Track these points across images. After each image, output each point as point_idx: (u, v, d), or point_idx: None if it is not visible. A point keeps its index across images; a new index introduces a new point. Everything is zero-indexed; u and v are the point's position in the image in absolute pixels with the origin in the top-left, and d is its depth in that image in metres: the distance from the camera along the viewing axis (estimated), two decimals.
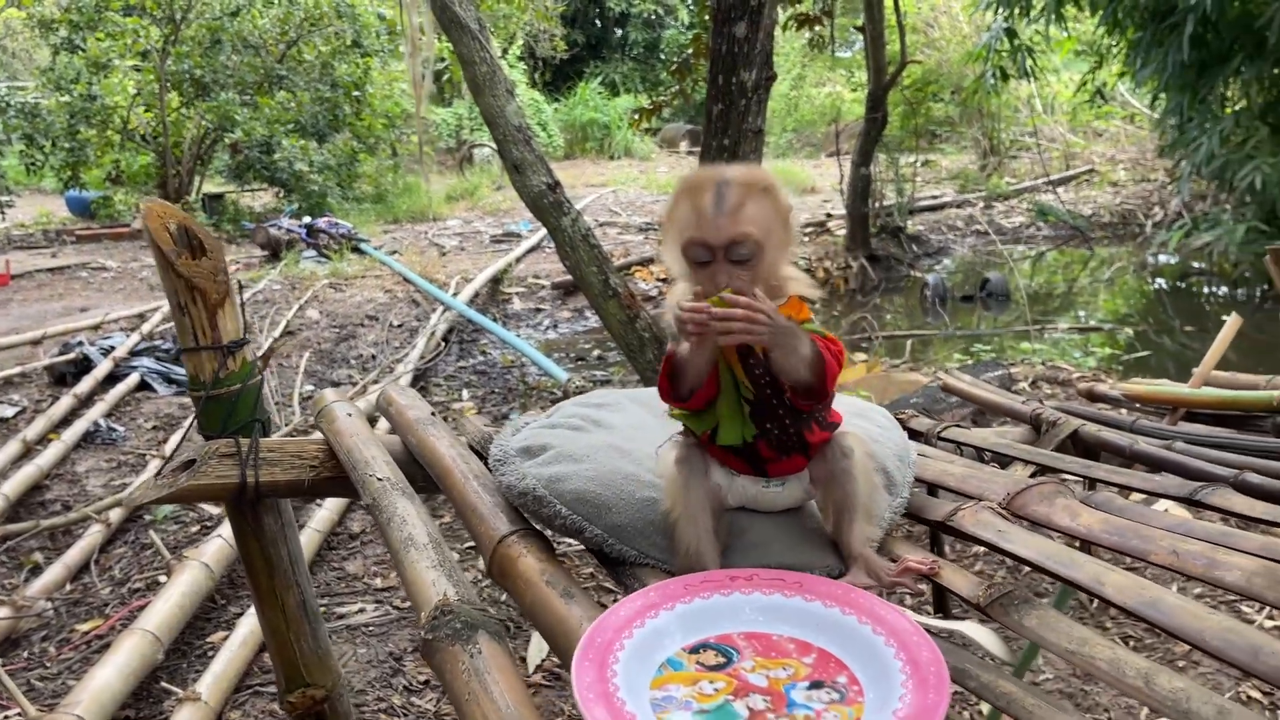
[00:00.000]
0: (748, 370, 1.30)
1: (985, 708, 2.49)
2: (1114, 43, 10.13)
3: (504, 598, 3.21)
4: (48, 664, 2.99)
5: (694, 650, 1.10)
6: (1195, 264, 10.18)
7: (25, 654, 3.05)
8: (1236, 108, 8.61)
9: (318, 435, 1.86)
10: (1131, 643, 2.90)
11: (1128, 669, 1.01)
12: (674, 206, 1.30)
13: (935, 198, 13.75)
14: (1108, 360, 6.93)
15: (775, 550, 1.34)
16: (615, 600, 1.19)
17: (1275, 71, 8.22)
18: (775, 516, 1.40)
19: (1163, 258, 10.73)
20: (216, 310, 1.67)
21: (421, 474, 1.68)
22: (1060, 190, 13.82)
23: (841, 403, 1.44)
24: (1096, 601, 3.09)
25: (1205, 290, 9.86)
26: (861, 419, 1.66)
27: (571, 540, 1.45)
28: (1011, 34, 10.17)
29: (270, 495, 1.71)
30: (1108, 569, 1.19)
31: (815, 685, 1.04)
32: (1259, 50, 7.86)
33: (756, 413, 1.32)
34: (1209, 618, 1.05)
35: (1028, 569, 1.26)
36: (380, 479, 1.52)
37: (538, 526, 1.44)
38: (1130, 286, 10.24)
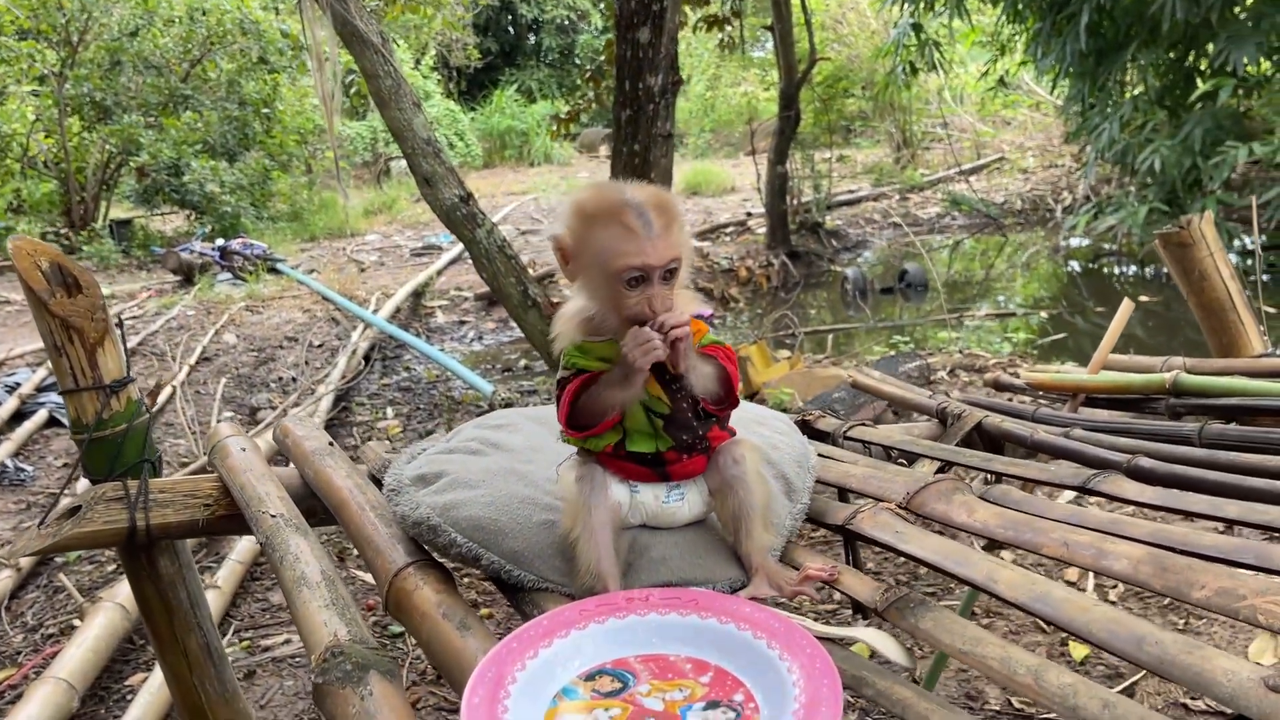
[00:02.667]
0: (665, 388, 1.32)
1: None
2: (1015, 32, 10.36)
3: None
4: None
5: (590, 677, 1.08)
6: (1105, 246, 10.45)
7: None
8: (1134, 93, 8.86)
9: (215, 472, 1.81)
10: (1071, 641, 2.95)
11: (1018, 667, 1.02)
12: (587, 232, 1.26)
13: (852, 192, 13.92)
14: (1024, 344, 7.06)
15: (678, 565, 1.32)
16: None
17: (1170, 56, 8.48)
18: (677, 532, 1.39)
19: (1074, 241, 10.99)
20: (96, 349, 1.61)
21: (321, 507, 1.64)
22: (972, 179, 14.11)
23: (740, 411, 1.43)
24: None
25: (1116, 270, 10.12)
26: (760, 426, 1.66)
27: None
28: (918, 28, 10.34)
29: (163, 538, 1.65)
30: (1000, 565, 1.20)
31: (711, 705, 1.03)
32: (1153, 36, 8.11)
33: (671, 425, 1.33)
34: (1094, 609, 1.06)
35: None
36: (273, 516, 1.47)
37: (436, 556, 1.41)
38: (1044, 270, 10.48)
